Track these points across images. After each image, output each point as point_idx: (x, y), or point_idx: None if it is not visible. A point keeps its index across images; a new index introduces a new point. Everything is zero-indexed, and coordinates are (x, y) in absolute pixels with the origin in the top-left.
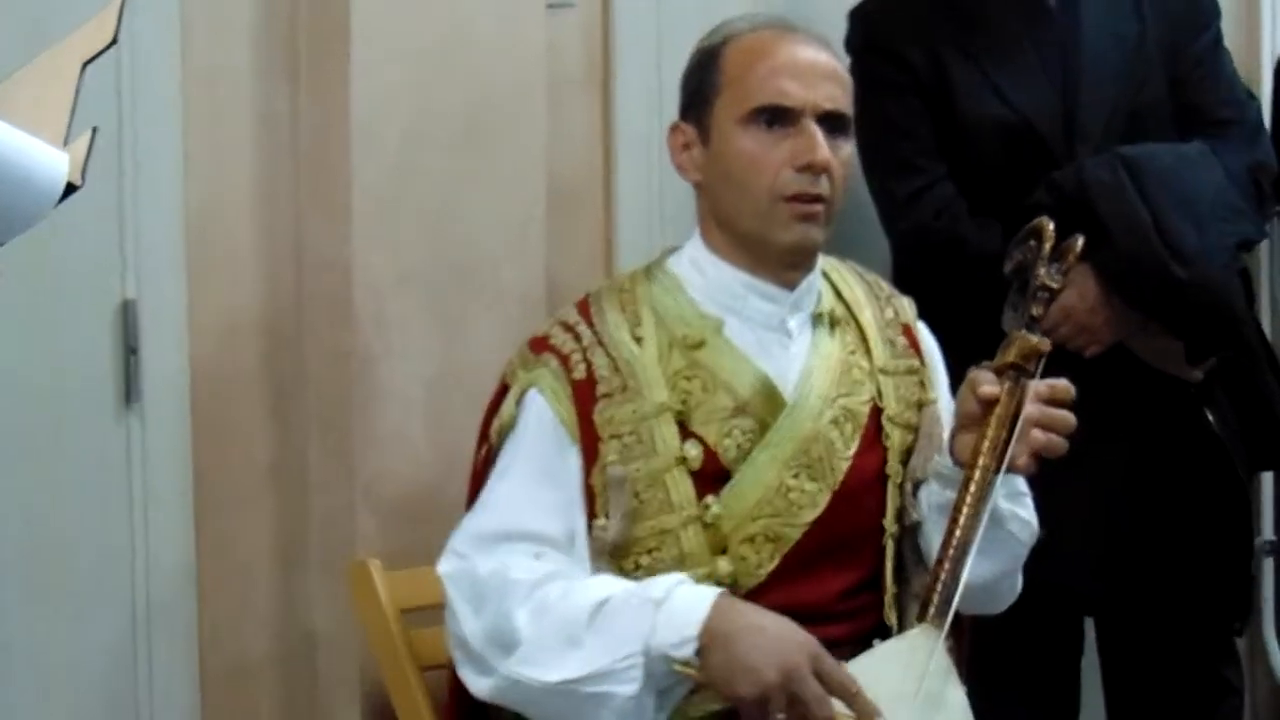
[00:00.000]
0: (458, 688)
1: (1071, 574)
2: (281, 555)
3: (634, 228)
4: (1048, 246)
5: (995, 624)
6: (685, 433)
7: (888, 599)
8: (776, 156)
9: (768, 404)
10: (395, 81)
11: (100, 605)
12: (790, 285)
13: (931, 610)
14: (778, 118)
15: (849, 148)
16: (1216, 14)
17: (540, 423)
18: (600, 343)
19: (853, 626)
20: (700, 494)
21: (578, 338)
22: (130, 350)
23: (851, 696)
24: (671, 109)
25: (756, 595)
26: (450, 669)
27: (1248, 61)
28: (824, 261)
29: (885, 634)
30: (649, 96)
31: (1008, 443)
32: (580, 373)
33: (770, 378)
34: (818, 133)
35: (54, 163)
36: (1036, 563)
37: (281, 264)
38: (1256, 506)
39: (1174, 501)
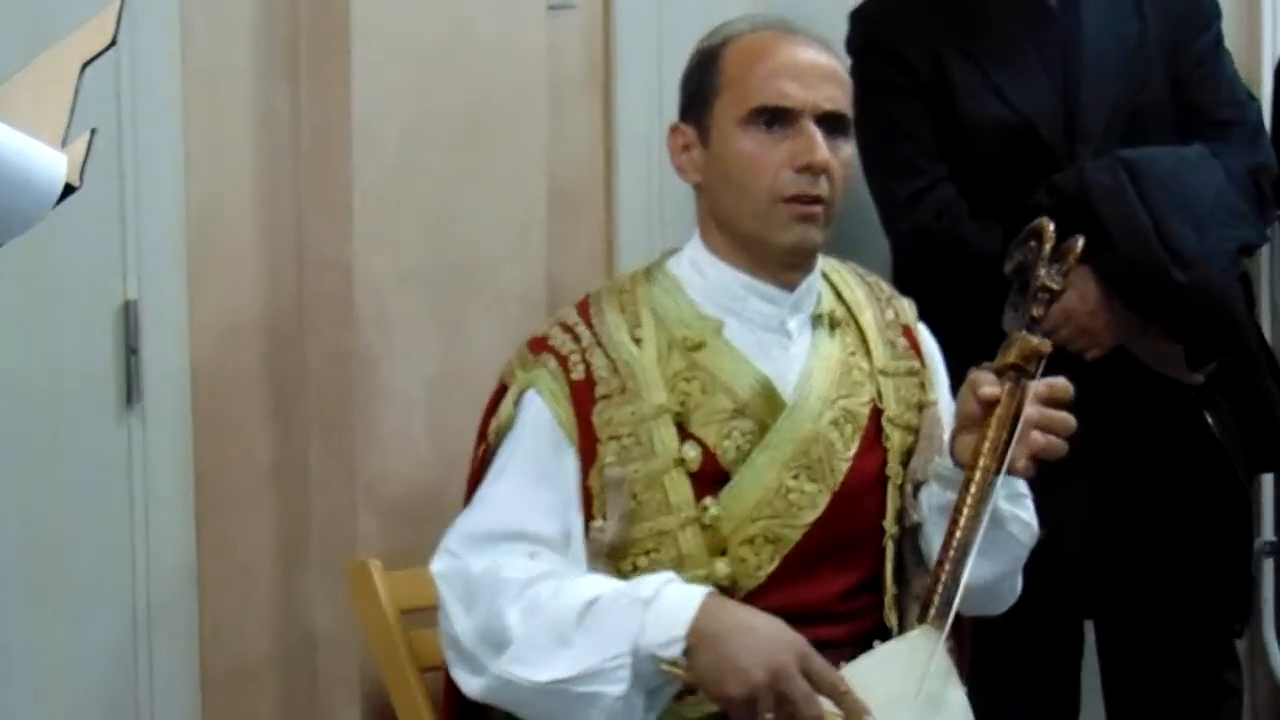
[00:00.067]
0: (453, 688)
1: (1071, 577)
2: (282, 555)
3: (635, 228)
4: (1048, 247)
5: (995, 627)
6: (684, 434)
7: (888, 600)
8: (776, 157)
9: (767, 405)
10: (396, 81)
11: (101, 605)
12: (790, 286)
13: (932, 611)
14: (777, 118)
15: (849, 148)
16: (1217, 14)
17: (537, 423)
18: (599, 344)
19: (853, 628)
20: (699, 496)
21: (577, 339)
22: (131, 350)
23: (840, 695)
24: (672, 110)
25: (756, 597)
26: (446, 669)
27: (1248, 62)
28: (824, 263)
29: (885, 635)
30: (650, 97)
31: (1008, 444)
32: (579, 374)
33: (770, 379)
34: (817, 133)
35: (52, 164)
36: (1037, 566)
37: (282, 264)
38: (1256, 508)
39: (1174, 505)
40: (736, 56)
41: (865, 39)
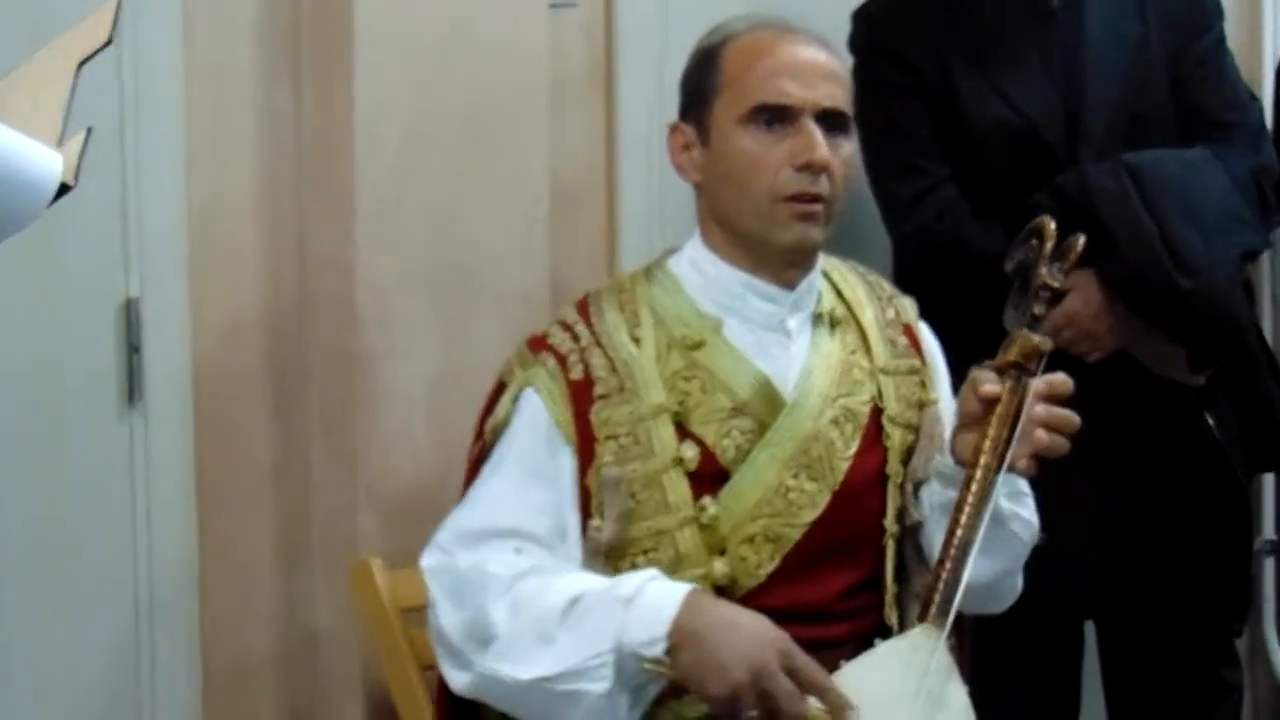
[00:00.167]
0: (445, 684)
1: (1072, 578)
2: (283, 554)
3: (637, 228)
4: (1049, 246)
5: (996, 626)
6: (683, 433)
7: (888, 599)
8: (776, 156)
9: (767, 404)
10: (398, 80)
11: (102, 604)
12: (790, 285)
13: (933, 610)
14: (777, 117)
15: (849, 147)
16: (1219, 15)
17: (534, 422)
18: (598, 343)
19: (853, 626)
20: (697, 495)
21: (576, 338)
22: (133, 349)
23: (823, 691)
24: (674, 109)
25: (756, 596)
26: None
27: (1249, 62)
28: (825, 261)
29: (886, 634)
30: (652, 96)
31: (1009, 442)
32: (577, 373)
33: (769, 378)
34: (816, 132)
35: (47, 163)
36: (1038, 566)
37: (284, 263)
38: (1257, 507)
39: (1174, 505)
40: (736, 55)
41: (868, 39)
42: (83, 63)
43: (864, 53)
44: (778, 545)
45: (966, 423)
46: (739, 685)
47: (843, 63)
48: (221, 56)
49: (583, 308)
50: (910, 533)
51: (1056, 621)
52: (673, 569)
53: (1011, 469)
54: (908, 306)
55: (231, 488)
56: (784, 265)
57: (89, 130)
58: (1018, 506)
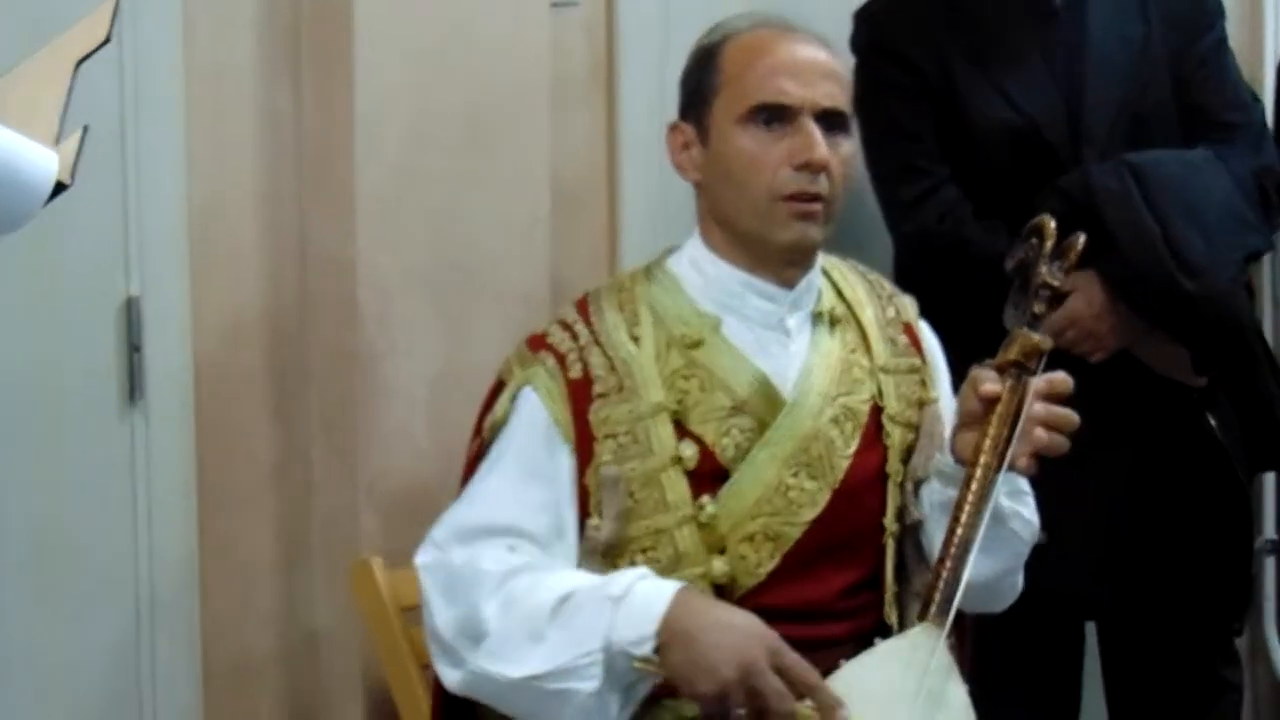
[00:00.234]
0: (440, 683)
1: (1073, 578)
2: (284, 553)
3: (638, 227)
4: (1049, 244)
5: (997, 627)
6: (682, 432)
7: (888, 598)
8: (775, 155)
9: (766, 403)
10: (398, 80)
11: (103, 603)
12: (789, 284)
13: (933, 609)
14: (776, 116)
15: (848, 146)
16: (1221, 15)
17: (532, 421)
18: (597, 342)
19: (853, 625)
20: (696, 494)
21: (575, 337)
22: (134, 348)
23: (812, 690)
24: (675, 108)
25: (756, 594)
26: None
27: (1250, 62)
28: (825, 260)
29: (886, 633)
30: (653, 95)
31: (1009, 441)
32: (576, 372)
33: (768, 376)
34: (816, 131)
35: (44, 162)
36: (1038, 566)
37: (285, 262)
38: (1257, 507)
39: (1175, 505)
40: (735, 54)
41: (870, 39)
42: (80, 62)
43: (865, 53)
44: (778, 544)
45: (967, 421)
46: (728, 684)
47: (842, 62)
48: (222, 56)
49: (582, 307)
50: (910, 531)
51: (1057, 621)
52: (672, 568)
53: (1012, 468)
54: (908, 305)
55: (232, 487)
56: (783, 264)
57: (85, 129)
58: (1018, 505)
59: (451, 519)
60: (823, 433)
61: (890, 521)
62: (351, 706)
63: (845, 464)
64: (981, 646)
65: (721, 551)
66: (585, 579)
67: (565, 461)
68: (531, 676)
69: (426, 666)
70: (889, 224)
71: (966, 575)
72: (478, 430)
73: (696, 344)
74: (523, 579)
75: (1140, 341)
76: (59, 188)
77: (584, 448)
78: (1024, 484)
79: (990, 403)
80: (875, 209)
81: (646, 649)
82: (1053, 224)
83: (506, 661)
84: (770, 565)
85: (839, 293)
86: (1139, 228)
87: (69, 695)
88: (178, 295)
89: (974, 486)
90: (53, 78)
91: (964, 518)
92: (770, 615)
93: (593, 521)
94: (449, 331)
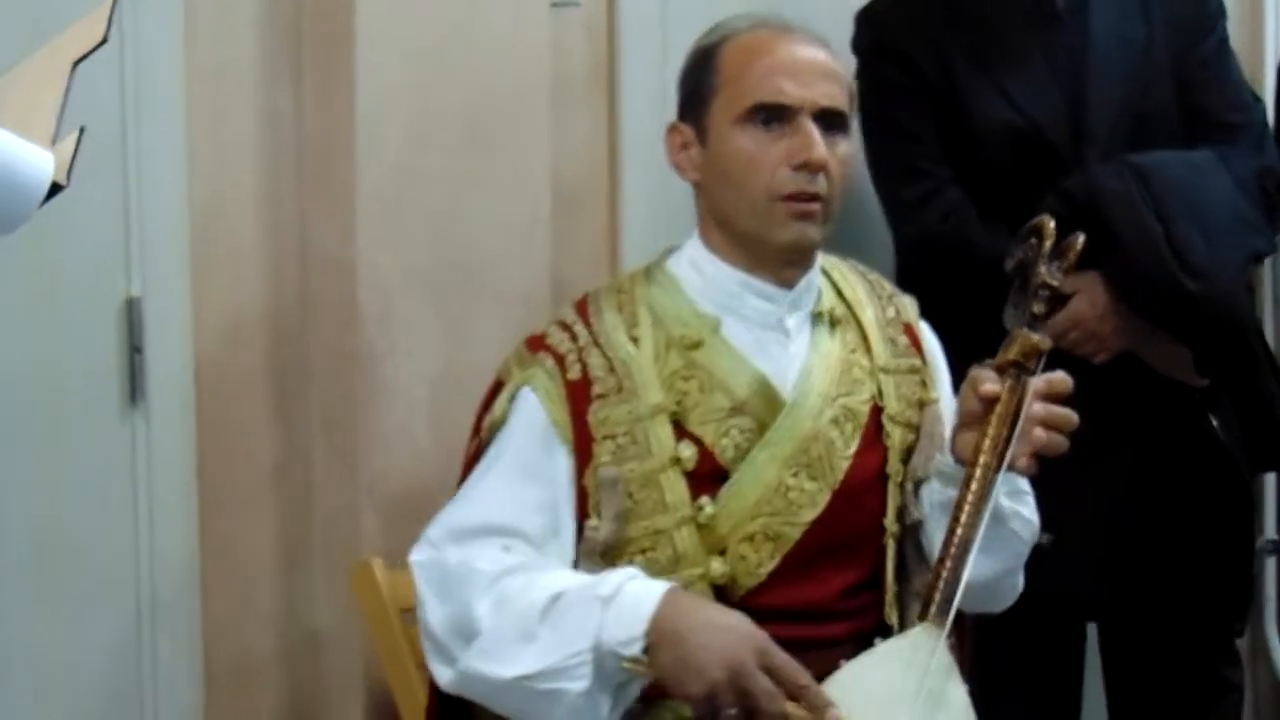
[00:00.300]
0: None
1: (1073, 578)
2: (285, 554)
3: (639, 228)
4: (1049, 244)
5: (997, 627)
6: (681, 433)
7: (888, 598)
8: (773, 155)
9: (765, 403)
10: (399, 80)
11: (103, 604)
12: (788, 284)
13: (933, 609)
14: (774, 116)
15: (847, 145)
16: (1222, 16)
17: (530, 421)
18: (596, 343)
19: (853, 626)
20: (695, 495)
21: (574, 338)
22: (135, 349)
23: (801, 689)
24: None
25: (756, 595)
26: None
27: (1251, 63)
28: (825, 260)
29: (886, 633)
30: (654, 95)
31: (1009, 441)
32: (575, 373)
33: (767, 377)
34: (814, 131)
35: (39, 162)
36: (1039, 566)
37: (285, 262)
38: (1258, 507)
39: (1176, 506)
40: (733, 55)
41: (872, 40)
42: (78, 62)
43: (867, 54)
44: (778, 544)
45: (966, 422)
46: (716, 685)
47: (841, 62)
48: (223, 56)
49: (581, 308)
50: (910, 532)
51: (1058, 621)
52: (670, 568)
53: (1011, 468)
54: (908, 305)
55: (232, 487)
56: (782, 264)
57: (81, 130)
58: (1018, 505)
59: (447, 518)
60: (823, 433)
61: (890, 522)
62: (352, 707)
63: (845, 464)
64: (982, 647)
65: (721, 552)
66: (576, 579)
67: (563, 462)
68: (522, 676)
69: (426, 667)
70: (891, 225)
71: (966, 575)
72: (476, 430)
73: (696, 345)
74: (516, 578)
75: (1143, 342)
76: (55, 188)
77: (582, 449)
78: (1024, 484)
79: (990, 403)
80: (875, 209)
81: (635, 649)
82: (1052, 224)
83: (497, 661)
84: (770, 566)
85: (839, 293)
86: (1142, 229)
87: (70, 696)
88: (178, 296)
89: (974, 486)
90: (50, 78)
91: (964, 518)
92: (770, 616)
93: (591, 522)
94: (449, 332)
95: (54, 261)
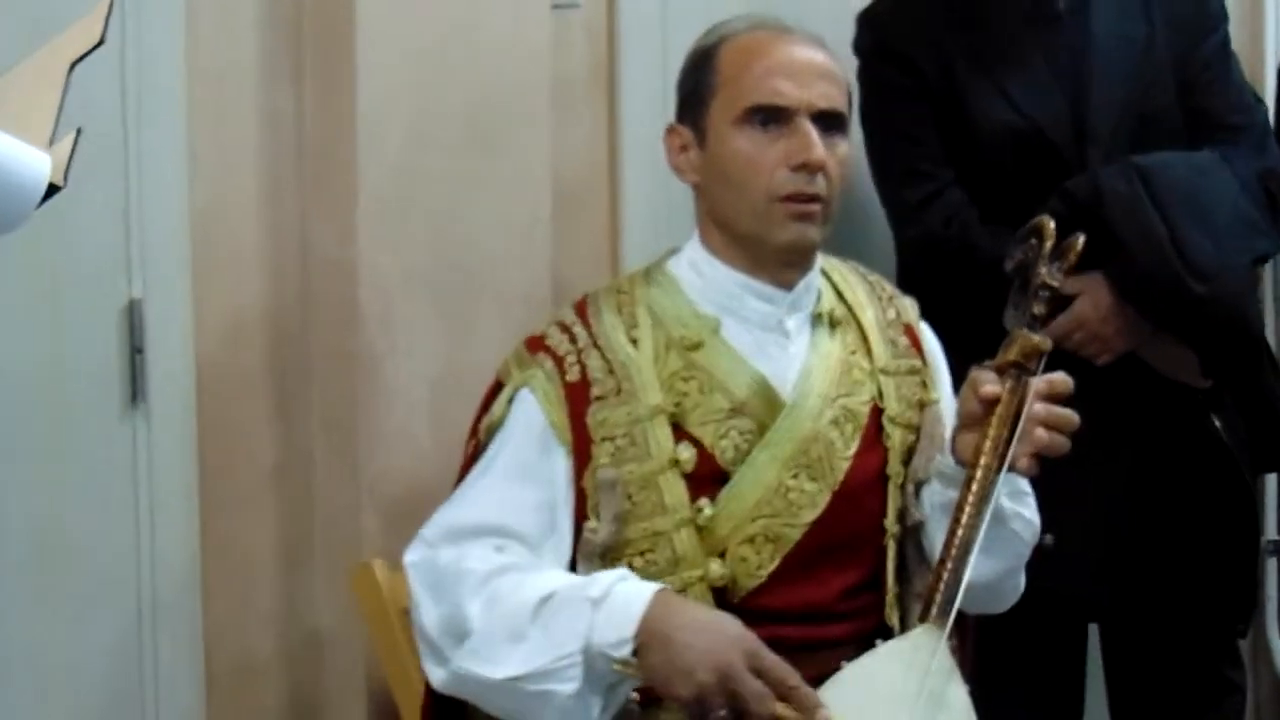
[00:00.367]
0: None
1: (1074, 579)
2: (286, 554)
3: (639, 228)
4: (1049, 245)
5: (999, 628)
6: (680, 434)
7: (889, 599)
8: (772, 156)
9: (765, 405)
10: (400, 81)
11: (105, 604)
12: (788, 285)
13: (934, 610)
14: (773, 117)
15: (845, 146)
16: (1224, 17)
17: (528, 423)
18: (596, 344)
19: (854, 626)
20: (694, 496)
21: (573, 339)
22: (136, 350)
23: (790, 690)
24: None
25: (757, 596)
26: None
27: (1252, 64)
28: (825, 261)
29: (887, 634)
30: (654, 96)
31: (1009, 441)
32: (574, 374)
33: (767, 378)
34: (812, 131)
35: (36, 164)
36: (1040, 567)
37: (287, 263)
38: (1261, 508)
39: (1178, 506)
40: (731, 56)
41: (873, 42)
42: (75, 63)
43: (868, 56)
44: (778, 545)
45: (967, 423)
46: (705, 686)
47: (839, 63)
48: (224, 57)
49: (581, 309)
50: (911, 533)
51: (1059, 622)
52: (670, 570)
53: (1012, 468)
54: (908, 306)
55: (233, 488)
56: (781, 265)
57: (78, 131)
58: (1019, 506)
59: (442, 518)
60: (822, 434)
61: (891, 523)
62: (353, 707)
63: (845, 465)
64: (983, 647)
65: (721, 554)
66: (567, 579)
67: (561, 464)
68: (512, 678)
69: None
70: (893, 227)
71: (968, 576)
72: (474, 431)
73: (695, 346)
74: (508, 578)
75: (1147, 344)
76: (52, 189)
77: (581, 450)
78: (1025, 484)
79: (990, 404)
80: (875, 210)
81: (625, 651)
82: (1052, 224)
83: (488, 661)
84: (771, 567)
85: (839, 294)
86: (1147, 230)
87: (70, 696)
88: (180, 297)
89: (974, 487)
90: (48, 79)
91: (965, 518)
92: (771, 617)
93: (590, 524)
94: (450, 332)
95: (55, 263)
